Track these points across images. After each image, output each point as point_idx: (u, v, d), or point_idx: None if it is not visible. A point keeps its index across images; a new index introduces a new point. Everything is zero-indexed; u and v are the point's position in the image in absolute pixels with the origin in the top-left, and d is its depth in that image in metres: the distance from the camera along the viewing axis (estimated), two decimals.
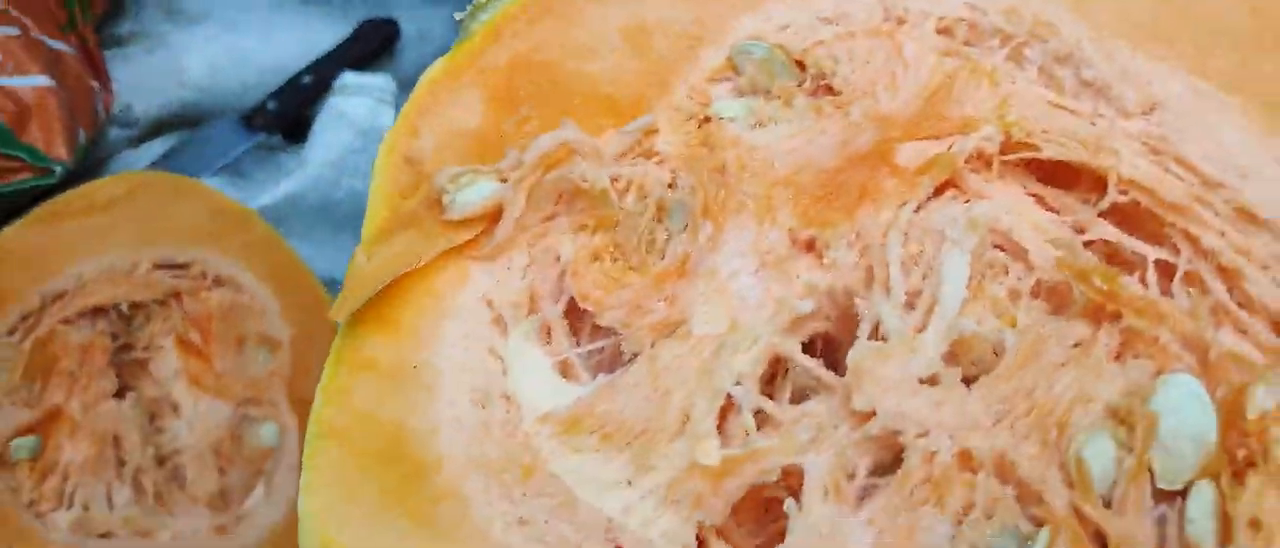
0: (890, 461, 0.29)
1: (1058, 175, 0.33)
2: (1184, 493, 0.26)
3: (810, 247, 0.32)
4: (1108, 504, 0.26)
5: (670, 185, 0.35)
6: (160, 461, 0.57)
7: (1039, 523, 0.26)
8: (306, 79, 0.73)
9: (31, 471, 0.51)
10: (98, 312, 0.56)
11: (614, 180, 0.34)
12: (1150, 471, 0.26)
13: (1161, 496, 0.26)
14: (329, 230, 0.71)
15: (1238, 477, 0.25)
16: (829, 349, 0.32)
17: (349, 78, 0.71)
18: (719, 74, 0.37)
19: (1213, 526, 0.25)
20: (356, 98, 0.71)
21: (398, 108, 0.75)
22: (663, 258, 0.33)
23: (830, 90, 0.36)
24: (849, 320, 0.31)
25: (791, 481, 0.29)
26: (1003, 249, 0.31)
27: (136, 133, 0.73)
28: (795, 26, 0.38)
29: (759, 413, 0.29)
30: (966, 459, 0.27)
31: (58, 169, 0.61)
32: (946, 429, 0.28)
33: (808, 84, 0.36)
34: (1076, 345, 0.29)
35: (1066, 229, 0.31)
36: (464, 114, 0.37)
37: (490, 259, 0.34)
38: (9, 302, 0.52)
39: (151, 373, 0.58)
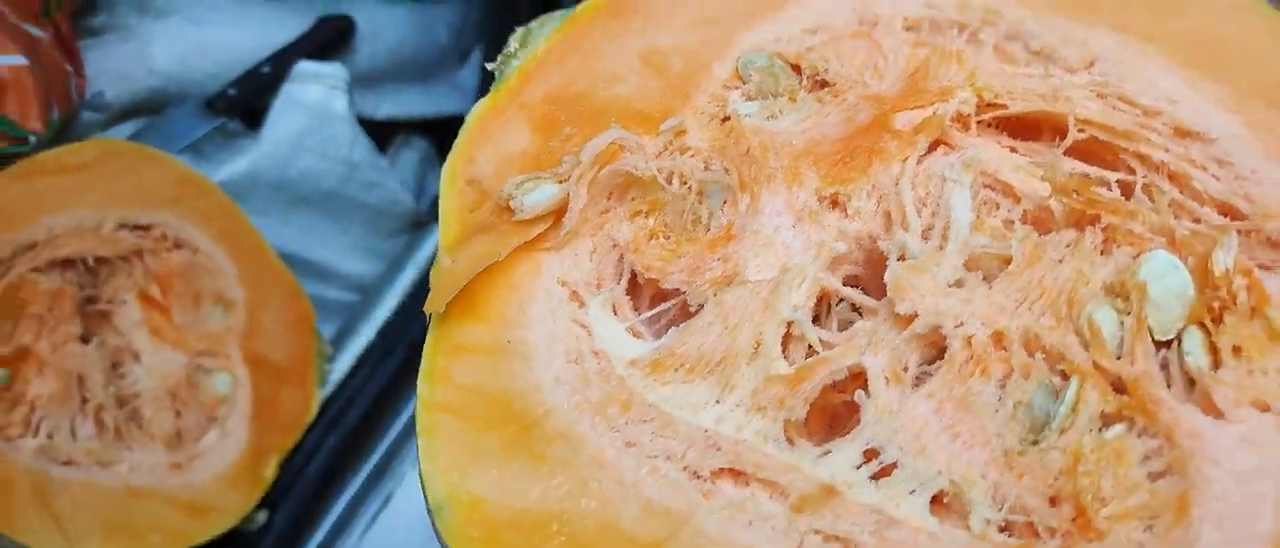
0: (935, 354, 0.35)
1: (1024, 130, 0.40)
2: (1178, 340, 0.33)
3: (835, 202, 0.38)
4: (1118, 358, 0.32)
5: (706, 169, 0.41)
6: (121, 402, 0.62)
7: (1066, 378, 0.33)
8: (265, 69, 0.79)
9: (0, 400, 0.56)
10: (67, 264, 0.61)
11: (658, 171, 0.40)
12: (1148, 327, 0.33)
13: (1159, 345, 0.33)
14: (283, 205, 0.77)
15: (1216, 320, 0.33)
16: (861, 288, 0.38)
17: (304, 66, 0.77)
18: (730, 83, 0.44)
19: (1205, 357, 0.32)
20: (311, 85, 0.77)
21: (350, 95, 0.81)
22: (708, 231, 0.39)
23: (825, 85, 0.42)
24: (875, 262, 0.37)
25: (854, 383, 0.35)
26: (991, 189, 0.38)
27: (107, 117, 0.78)
28: (787, 38, 0.44)
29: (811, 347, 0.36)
30: (999, 339, 0.34)
31: (31, 140, 0.66)
32: (979, 318, 0.34)
33: (806, 83, 0.43)
34: (1068, 246, 0.35)
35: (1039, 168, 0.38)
36: (513, 140, 0.43)
37: (559, 249, 0.39)
38: None
39: (114, 323, 0.63)
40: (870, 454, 0.33)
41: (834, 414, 0.36)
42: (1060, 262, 0.35)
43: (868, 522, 0.32)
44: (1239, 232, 0.34)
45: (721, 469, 0.34)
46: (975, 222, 0.37)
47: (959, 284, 0.35)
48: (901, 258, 0.36)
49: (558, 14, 0.45)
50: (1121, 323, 0.34)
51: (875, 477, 0.33)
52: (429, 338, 0.39)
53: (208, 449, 0.63)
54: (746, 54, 0.44)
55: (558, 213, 0.40)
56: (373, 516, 0.69)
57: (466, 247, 0.39)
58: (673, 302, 0.39)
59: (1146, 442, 0.32)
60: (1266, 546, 0.29)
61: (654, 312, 0.39)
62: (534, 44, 0.45)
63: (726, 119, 0.42)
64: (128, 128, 0.77)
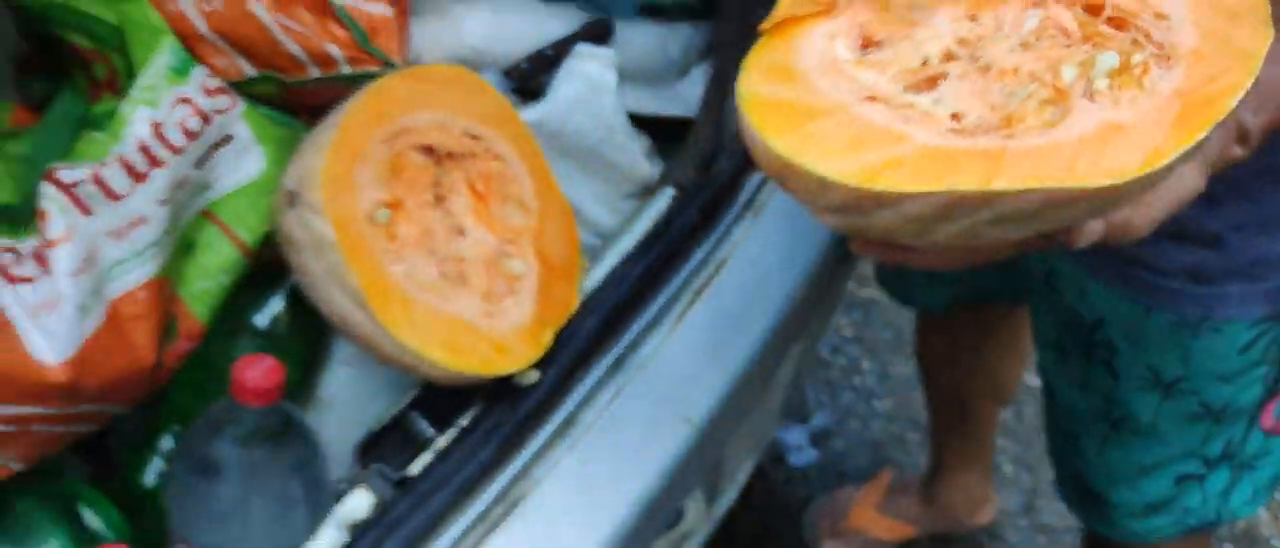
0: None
1: None
2: None
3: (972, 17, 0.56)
4: None
5: None
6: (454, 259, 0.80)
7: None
8: (549, 51, 1.00)
9: (382, 233, 0.74)
10: (427, 149, 0.80)
11: None
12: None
13: None
14: (555, 154, 0.95)
15: None
16: None
17: (583, 47, 0.97)
18: None
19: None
20: (589, 61, 0.97)
21: (617, 74, 1.01)
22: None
23: None
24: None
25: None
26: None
27: None
28: None
29: None
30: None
31: (397, 66, 0.87)
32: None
33: None
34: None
35: None
36: None
37: (824, 18, 0.58)
38: (384, 121, 0.76)
39: (450, 203, 0.81)
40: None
41: None
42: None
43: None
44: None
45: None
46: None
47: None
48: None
49: None
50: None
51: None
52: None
53: (507, 309, 0.80)
54: None
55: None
56: (618, 388, 0.85)
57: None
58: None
59: None
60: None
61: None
62: None
63: None
64: None
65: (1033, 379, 1.38)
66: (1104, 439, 0.94)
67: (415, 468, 0.76)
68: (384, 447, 0.80)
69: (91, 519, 0.79)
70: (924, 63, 0.55)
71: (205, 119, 0.75)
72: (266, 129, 0.81)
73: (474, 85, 0.85)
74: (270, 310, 0.88)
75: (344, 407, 0.87)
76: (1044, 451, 1.14)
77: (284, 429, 0.75)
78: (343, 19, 0.86)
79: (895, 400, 1.78)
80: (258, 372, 0.72)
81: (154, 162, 0.73)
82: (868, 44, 0.57)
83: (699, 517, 1.13)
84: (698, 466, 0.92)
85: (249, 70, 0.85)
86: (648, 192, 1.03)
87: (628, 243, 0.94)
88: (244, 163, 0.79)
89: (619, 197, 1.01)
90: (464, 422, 0.80)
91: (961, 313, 1.19)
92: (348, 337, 0.75)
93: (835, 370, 1.83)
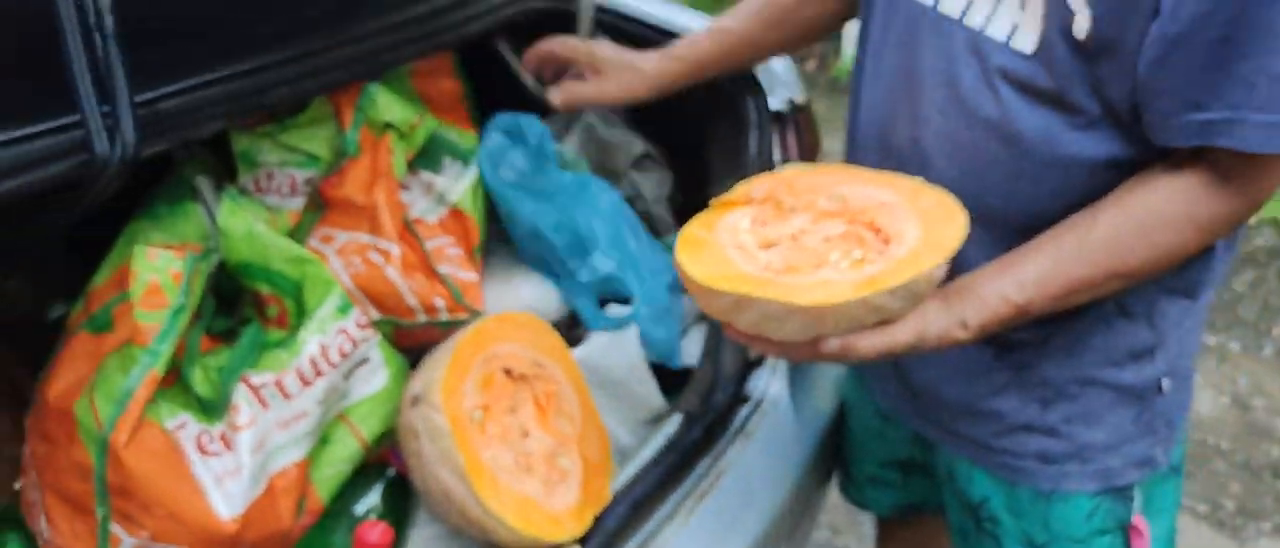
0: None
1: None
2: None
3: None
4: None
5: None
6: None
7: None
8: None
9: (479, 428, 1.01)
10: (507, 371, 1.09)
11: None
12: None
13: None
14: (591, 386, 1.24)
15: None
16: None
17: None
18: None
19: None
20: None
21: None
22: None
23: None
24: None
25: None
26: None
27: None
28: None
29: None
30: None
31: (480, 314, 1.17)
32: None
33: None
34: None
35: None
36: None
37: (745, 206, 0.91)
38: (481, 349, 1.05)
39: (519, 413, 1.09)
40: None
41: None
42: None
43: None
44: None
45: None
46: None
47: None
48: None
49: None
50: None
51: None
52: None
53: (560, 494, 1.06)
54: None
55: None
56: None
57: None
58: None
59: None
60: None
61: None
62: None
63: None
64: None
65: None
66: None
67: None
68: None
69: None
70: (771, 240, 0.87)
71: (355, 345, 1.05)
72: (391, 355, 1.10)
73: (541, 328, 1.15)
74: (366, 503, 1.13)
75: None
76: None
77: None
78: (446, 283, 1.18)
79: None
80: (376, 532, 0.97)
81: (318, 373, 1.01)
82: (761, 223, 0.91)
83: None
84: None
85: (374, 314, 1.15)
86: (659, 418, 1.31)
87: (647, 454, 1.21)
88: (374, 379, 1.08)
89: (638, 422, 1.29)
90: None
91: (911, 519, 1.42)
92: (445, 506, 1.00)
93: None
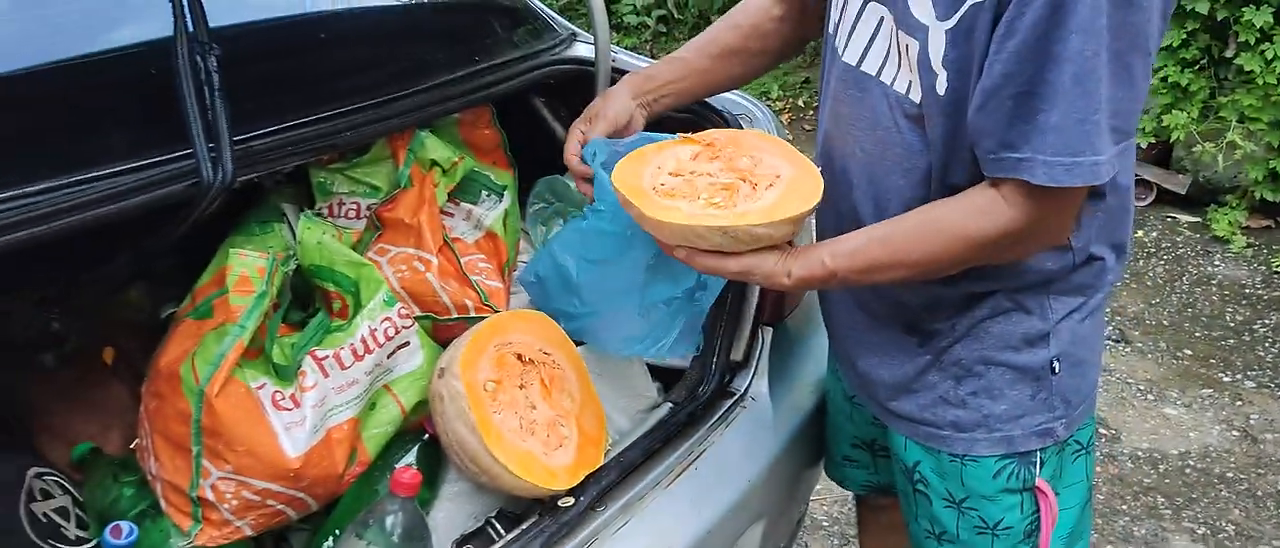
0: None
1: None
2: None
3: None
4: None
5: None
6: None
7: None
8: None
9: (490, 396, 1.27)
10: (518, 355, 1.35)
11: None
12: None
13: None
14: (596, 375, 1.49)
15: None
16: None
17: None
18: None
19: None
20: None
21: None
22: None
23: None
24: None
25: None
26: None
27: None
28: None
29: None
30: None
31: (501, 312, 1.44)
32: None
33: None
34: None
35: None
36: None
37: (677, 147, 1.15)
38: (496, 337, 1.32)
39: (527, 390, 1.34)
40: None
41: None
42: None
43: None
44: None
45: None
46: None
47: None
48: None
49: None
50: None
51: None
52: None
53: (557, 455, 1.30)
54: None
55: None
56: (625, 519, 1.32)
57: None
58: None
59: None
60: None
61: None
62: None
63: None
64: None
65: None
66: None
67: None
68: (471, 542, 1.29)
69: None
70: (678, 172, 1.16)
71: (397, 330, 1.32)
72: (427, 341, 1.38)
73: (549, 324, 1.41)
74: (405, 460, 1.39)
75: (446, 522, 1.35)
76: None
77: (416, 519, 1.24)
78: (475, 288, 1.45)
79: None
80: (408, 474, 1.23)
81: (367, 350, 1.29)
82: (692, 159, 1.19)
83: None
84: None
85: (417, 310, 1.43)
86: (654, 408, 1.55)
87: (638, 432, 1.45)
88: (413, 358, 1.35)
89: (635, 410, 1.53)
90: (523, 527, 1.28)
91: (883, 501, 1.61)
92: (462, 456, 1.26)
93: None
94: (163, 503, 1.26)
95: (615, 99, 1.38)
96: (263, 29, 1.49)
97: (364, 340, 1.29)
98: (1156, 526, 2.25)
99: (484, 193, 1.60)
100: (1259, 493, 2.39)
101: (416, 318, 1.40)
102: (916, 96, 1.08)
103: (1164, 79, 3.53)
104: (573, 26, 1.88)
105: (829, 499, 2.35)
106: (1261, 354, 2.87)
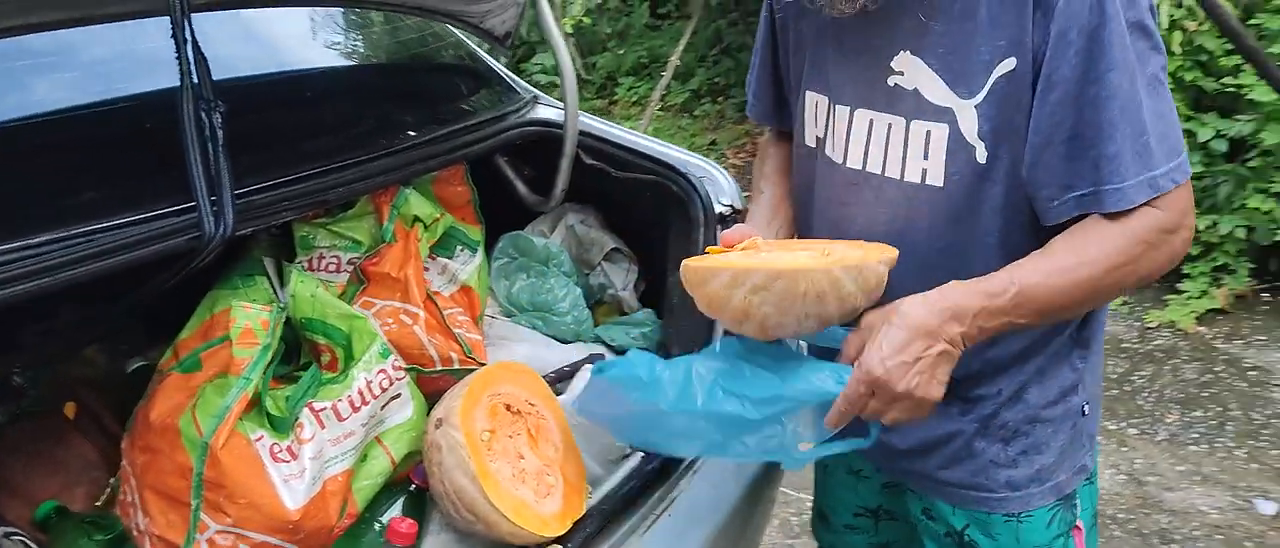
0: None
1: None
2: None
3: None
4: None
5: None
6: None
7: None
8: (568, 368, 1.63)
9: (485, 446, 1.32)
10: (507, 406, 1.40)
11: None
12: None
13: None
14: (572, 425, 1.55)
15: None
16: None
17: (588, 367, 1.61)
18: None
19: None
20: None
21: None
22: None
23: None
24: None
25: None
26: None
27: None
28: None
29: None
30: None
31: (485, 365, 1.49)
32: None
33: None
34: None
35: None
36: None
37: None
38: (489, 388, 1.37)
39: (516, 439, 1.39)
40: None
41: None
42: None
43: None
44: None
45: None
46: None
47: None
48: None
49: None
50: None
51: None
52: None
53: (546, 503, 1.35)
54: None
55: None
56: None
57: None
58: None
59: None
60: None
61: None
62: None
63: None
64: None
65: None
66: None
67: None
68: None
69: None
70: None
71: (392, 382, 1.36)
72: (416, 393, 1.41)
73: (533, 375, 1.47)
74: (391, 512, 1.42)
75: None
76: None
77: None
78: (459, 341, 1.50)
79: None
80: (405, 525, 1.27)
81: (364, 401, 1.32)
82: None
83: None
84: None
85: (402, 363, 1.46)
86: (625, 457, 1.61)
87: (614, 481, 1.51)
88: (404, 410, 1.39)
89: (606, 459, 1.59)
90: None
91: None
92: (458, 505, 1.29)
93: None
94: None
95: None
96: (258, 86, 1.52)
97: (361, 392, 1.32)
98: None
99: (459, 247, 1.65)
100: (1145, 531, 2.61)
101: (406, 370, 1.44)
102: (937, 182, 1.11)
103: None
104: (534, 90, 1.96)
105: None
106: (1141, 404, 3.14)
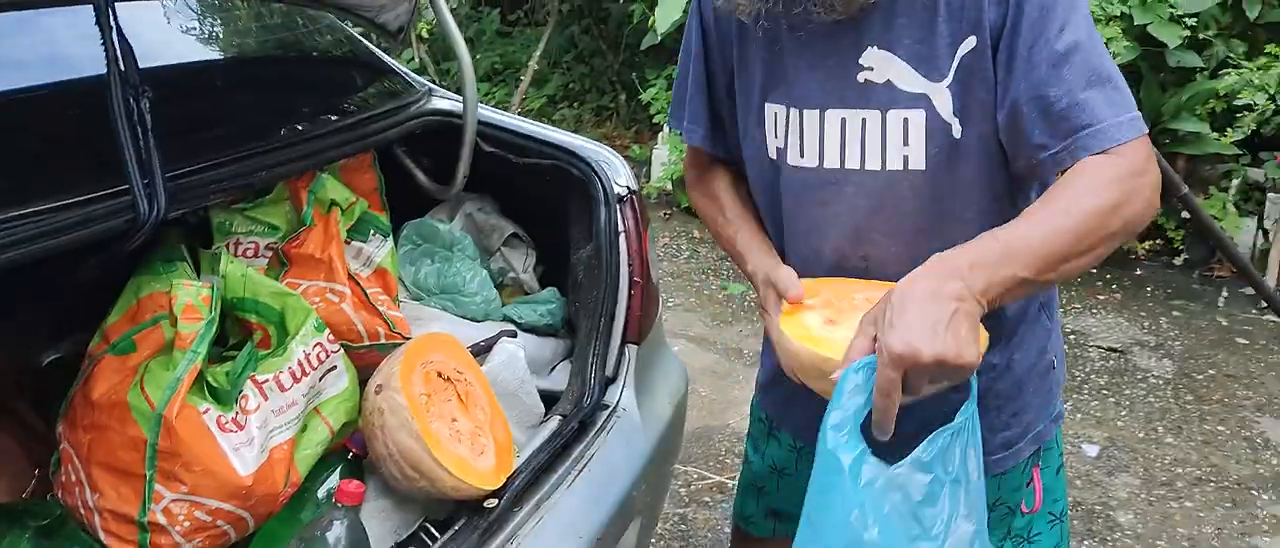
0: None
1: None
2: None
3: None
4: None
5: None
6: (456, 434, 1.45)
7: None
8: (484, 343, 1.73)
9: (424, 407, 1.40)
10: (438, 373, 1.48)
11: None
12: None
13: None
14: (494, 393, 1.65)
15: None
16: None
17: (505, 340, 1.71)
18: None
19: None
20: (509, 345, 1.70)
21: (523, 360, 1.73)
22: None
23: None
24: None
25: None
26: None
27: None
28: None
29: None
30: None
31: (409, 339, 1.57)
32: None
33: None
34: None
35: None
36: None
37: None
38: (422, 356, 1.45)
39: (450, 404, 1.48)
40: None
41: None
42: None
43: None
44: None
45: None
46: None
47: None
48: None
49: None
50: None
51: None
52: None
53: (481, 460, 1.45)
54: None
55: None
56: (540, 516, 1.48)
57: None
58: None
59: None
60: None
61: None
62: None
63: None
64: None
65: None
66: None
67: None
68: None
69: None
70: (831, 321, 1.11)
71: (327, 354, 1.42)
72: (349, 365, 1.48)
73: (458, 346, 1.56)
74: (327, 485, 1.48)
75: (379, 530, 1.45)
76: None
77: (359, 531, 1.35)
78: (384, 318, 1.57)
79: None
80: (353, 485, 1.34)
81: (304, 373, 1.38)
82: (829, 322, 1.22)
83: None
84: None
85: (335, 338, 1.53)
86: (541, 423, 1.72)
87: (539, 441, 1.62)
88: (339, 381, 1.45)
89: (525, 424, 1.69)
90: (455, 528, 1.41)
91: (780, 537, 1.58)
92: (401, 464, 1.38)
93: None
94: (101, 534, 1.27)
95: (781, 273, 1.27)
96: (182, 73, 1.54)
97: (300, 363, 1.38)
98: None
99: (372, 232, 1.72)
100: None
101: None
102: (919, 165, 1.16)
103: None
104: (429, 83, 2.05)
105: None
106: None
